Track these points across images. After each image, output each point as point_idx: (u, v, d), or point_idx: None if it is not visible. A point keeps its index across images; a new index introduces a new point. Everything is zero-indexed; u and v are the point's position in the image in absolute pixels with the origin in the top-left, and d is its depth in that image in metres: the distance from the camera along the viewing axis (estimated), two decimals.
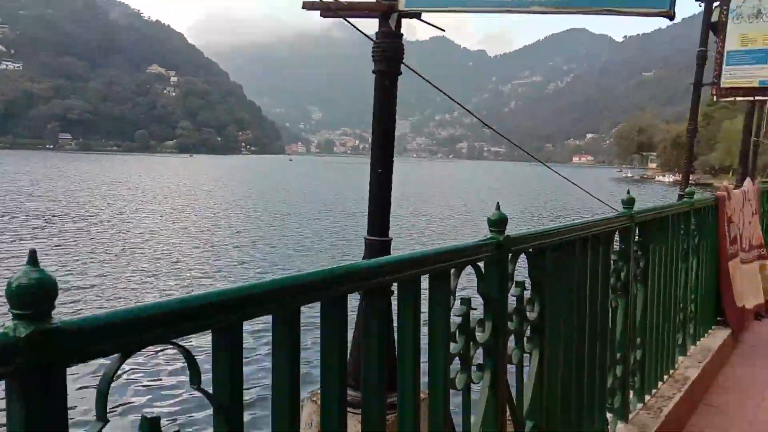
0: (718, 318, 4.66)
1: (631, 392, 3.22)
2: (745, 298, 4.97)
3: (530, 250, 2.13)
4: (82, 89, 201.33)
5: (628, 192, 2.98)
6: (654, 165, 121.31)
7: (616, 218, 2.89)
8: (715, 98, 7.20)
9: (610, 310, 2.86)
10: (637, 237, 3.16)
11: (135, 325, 0.89)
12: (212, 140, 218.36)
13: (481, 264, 1.84)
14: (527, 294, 2.13)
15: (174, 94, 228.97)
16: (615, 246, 2.89)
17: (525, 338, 2.13)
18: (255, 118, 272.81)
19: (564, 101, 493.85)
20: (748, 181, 6.10)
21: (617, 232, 2.89)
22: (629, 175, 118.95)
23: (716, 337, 4.36)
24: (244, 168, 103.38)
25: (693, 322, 4.04)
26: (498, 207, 1.93)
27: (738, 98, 7.18)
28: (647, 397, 3.41)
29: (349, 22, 3.90)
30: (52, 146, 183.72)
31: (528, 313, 2.14)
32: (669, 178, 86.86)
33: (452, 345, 1.74)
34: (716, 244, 4.48)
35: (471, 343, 1.81)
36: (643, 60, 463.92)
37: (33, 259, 0.78)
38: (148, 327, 0.91)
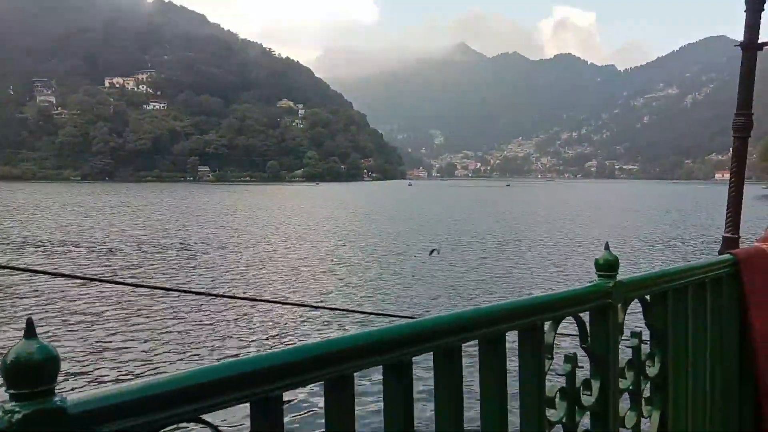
0: None
1: None
2: None
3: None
4: (219, 125, 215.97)
5: None
6: None
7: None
8: None
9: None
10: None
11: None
12: (336, 168, 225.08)
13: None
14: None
15: (302, 125, 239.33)
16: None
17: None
18: (377, 145, 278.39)
19: (703, 114, 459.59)
20: None
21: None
22: None
23: None
24: (359, 193, 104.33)
25: None
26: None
27: None
28: None
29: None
30: (192, 178, 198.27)
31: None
32: None
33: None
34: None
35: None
36: None
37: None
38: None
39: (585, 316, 1.64)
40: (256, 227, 35.90)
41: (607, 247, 1.73)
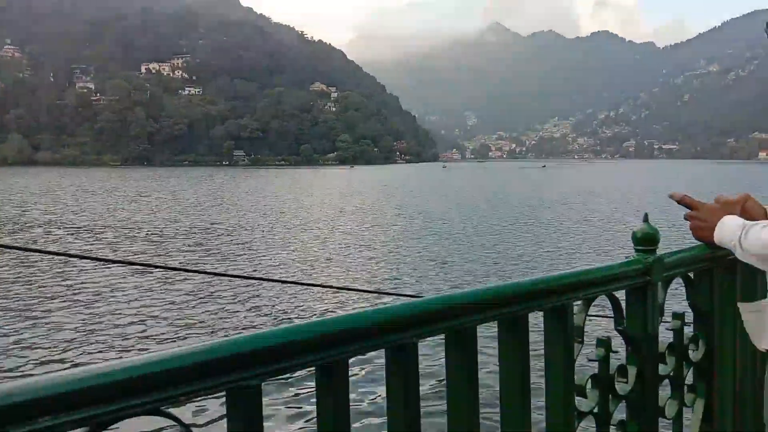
0: None
1: None
2: None
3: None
4: (253, 109, 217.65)
5: None
6: None
7: None
8: None
9: None
10: None
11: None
12: (369, 151, 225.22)
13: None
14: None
15: (334, 109, 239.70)
16: None
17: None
18: (410, 128, 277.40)
19: (747, 91, 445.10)
20: None
21: None
22: None
23: None
24: (398, 177, 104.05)
25: None
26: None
27: None
28: None
29: None
30: (227, 162, 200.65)
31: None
32: None
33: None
34: None
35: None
36: None
37: None
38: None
39: (620, 297, 1.50)
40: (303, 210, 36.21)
41: (646, 219, 1.56)
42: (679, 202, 1.63)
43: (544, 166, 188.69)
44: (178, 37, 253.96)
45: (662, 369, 1.62)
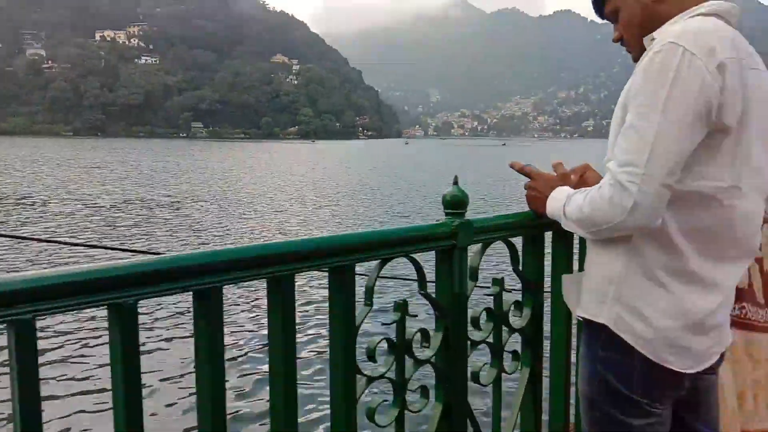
0: None
1: None
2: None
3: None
4: (212, 80, 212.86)
5: None
6: None
7: None
8: None
9: None
10: None
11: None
12: (331, 126, 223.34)
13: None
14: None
15: (296, 82, 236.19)
16: None
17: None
18: (373, 103, 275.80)
19: None
20: None
21: None
22: None
23: None
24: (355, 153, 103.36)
25: None
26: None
27: None
28: None
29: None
30: (185, 135, 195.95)
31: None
32: None
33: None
34: None
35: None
36: None
37: None
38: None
39: (429, 260, 1.46)
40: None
41: (456, 182, 1.50)
42: (518, 171, 1.60)
43: (504, 144, 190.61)
44: (135, 4, 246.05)
45: (478, 335, 1.57)
